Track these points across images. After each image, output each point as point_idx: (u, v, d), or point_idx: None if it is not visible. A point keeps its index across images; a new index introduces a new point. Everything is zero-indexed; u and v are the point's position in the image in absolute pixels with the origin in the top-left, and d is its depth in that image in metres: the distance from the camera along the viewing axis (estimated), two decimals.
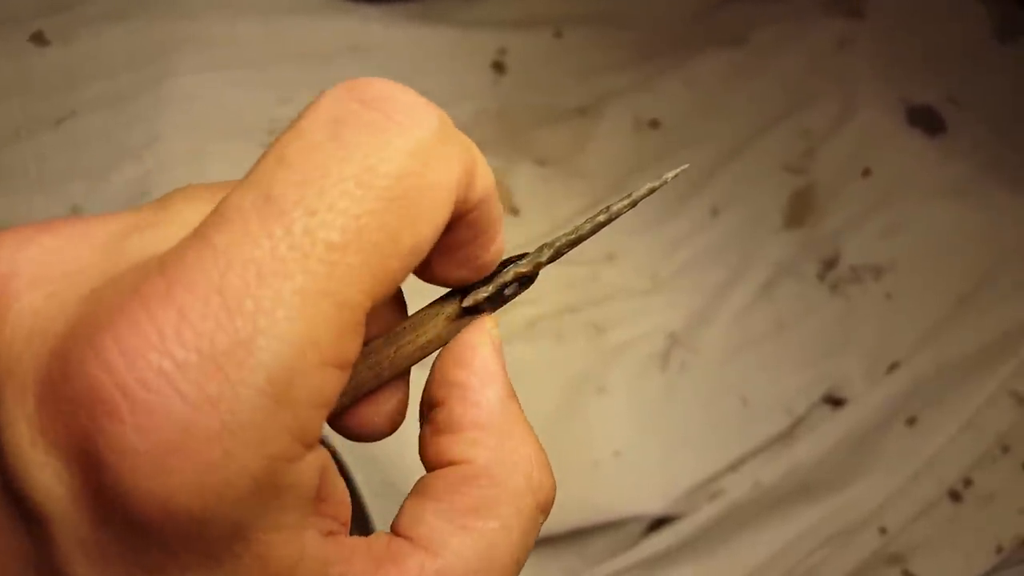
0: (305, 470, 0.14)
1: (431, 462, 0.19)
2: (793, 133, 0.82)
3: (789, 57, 0.85)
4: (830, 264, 0.77)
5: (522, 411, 0.19)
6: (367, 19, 0.79)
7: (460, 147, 0.16)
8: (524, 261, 0.21)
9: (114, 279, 0.14)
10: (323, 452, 0.15)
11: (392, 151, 0.15)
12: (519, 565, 0.18)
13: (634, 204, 0.21)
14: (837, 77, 0.84)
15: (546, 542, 0.64)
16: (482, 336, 0.19)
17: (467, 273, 0.19)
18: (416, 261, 0.15)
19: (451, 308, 0.20)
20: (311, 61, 0.75)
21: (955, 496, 0.70)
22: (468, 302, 0.20)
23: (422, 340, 0.20)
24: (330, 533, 0.16)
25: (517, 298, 0.21)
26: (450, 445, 0.18)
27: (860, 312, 0.75)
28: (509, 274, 0.20)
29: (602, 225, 0.21)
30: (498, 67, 0.82)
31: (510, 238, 0.74)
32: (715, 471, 0.68)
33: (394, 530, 0.18)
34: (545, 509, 0.19)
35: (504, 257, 0.21)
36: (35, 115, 0.67)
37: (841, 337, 0.74)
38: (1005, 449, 0.72)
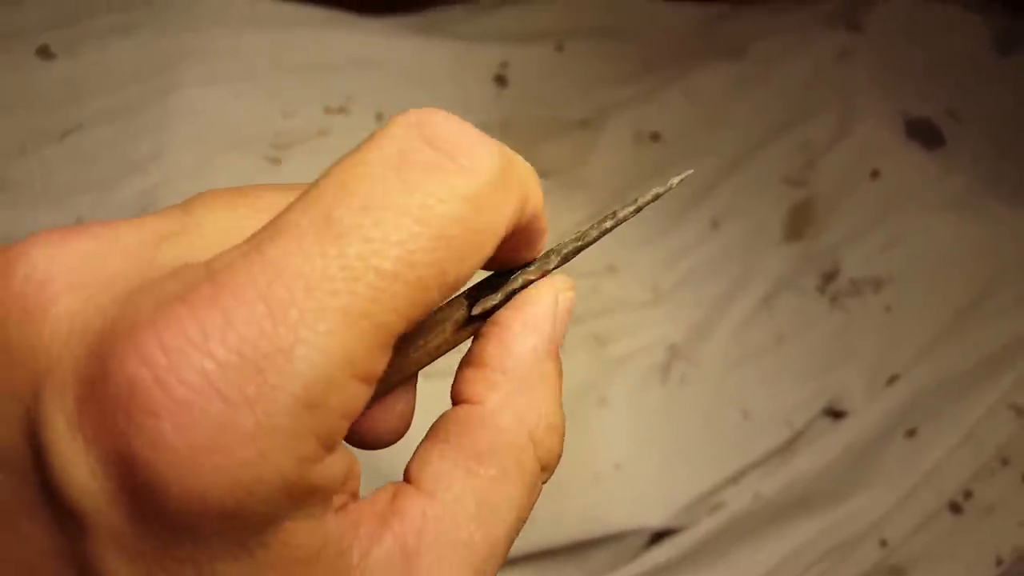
0: (330, 469, 0.15)
1: (454, 396, 0.19)
2: (793, 145, 0.82)
3: (789, 70, 0.86)
4: (830, 277, 0.77)
5: (559, 375, 0.20)
6: (371, 32, 0.79)
7: (517, 183, 0.17)
8: (532, 268, 0.21)
9: (151, 283, 0.14)
10: (347, 452, 0.16)
11: (451, 193, 0.15)
12: (520, 523, 0.18)
13: (639, 210, 0.21)
14: (837, 90, 0.85)
15: (547, 555, 0.64)
16: (548, 291, 0.20)
17: (501, 267, 0.20)
18: (454, 292, 0.16)
19: (459, 314, 0.20)
20: (316, 74, 0.76)
21: (955, 508, 0.70)
22: (477, 310, 0.20)
23: (430, 346, 0.20)
24: (342, 507, 0.16)
25: None
26: (471, 381, 0.19)
27: (860, 325, 0.75)
28: (518, 281, 0.20)
29: (608, 230, 0.21)
30: (500, 80, 0.83)
31: None
32: (716, 484, 0.68)
33: (405, 474, 0.18)
34: (548, 469, 0.19)
35: None
36: (41, 128, 0.68)
37: (841, 350, 0.74)
38: (1005, 461, 0.72)
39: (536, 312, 0.19)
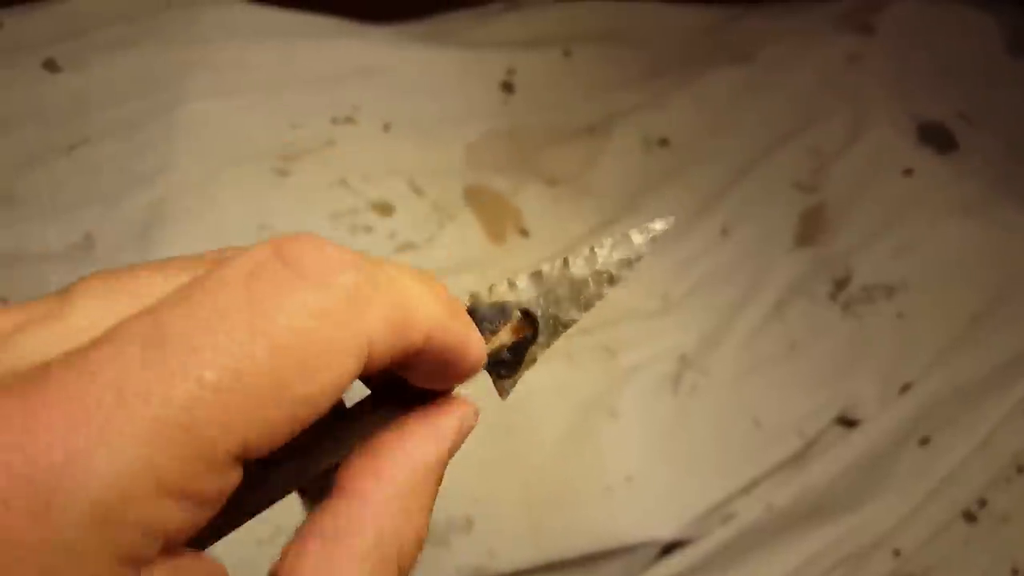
0: None
1: (338, 480, 0.18)
2: (804, 150, 0.82)
3: (799, 74, 0.85)
4: (842, 284, 0.76)
5: (439, 485, 0.19)
6: (377, 41, 0.79)
7: (381, 303, 0.16)
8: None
9: None
10: (177, 565, 0.15)
11: (295, 306, 0.15)
12: None
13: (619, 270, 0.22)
14: (847, 94, 0.84)
15: (557, 567, 0.63)
16: (457, 410, 0.20)
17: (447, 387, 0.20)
18: (313, 411, 0.15)
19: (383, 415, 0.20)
20: (322, 85, 0.76)
21: (970, 517, 0.70)
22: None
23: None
24: None
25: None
26: (360, 475, 0.18)
27: (872, 332, 0.74)
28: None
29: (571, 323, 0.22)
30: (507, 87, 0.82)
31: (519, 259, 0.74)
32: (727, 494, 0.67)
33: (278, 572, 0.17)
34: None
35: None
36: (48, 142, 0.68)
37: (853, 358, 0.73)
38: (1020, 469, 0.71)
39: (445, 425, 0.19)
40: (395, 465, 0.18)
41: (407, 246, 0.73)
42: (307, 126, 0.74)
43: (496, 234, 0.75)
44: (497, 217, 0.76)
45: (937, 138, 0.83)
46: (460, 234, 0.74)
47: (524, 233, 0.76)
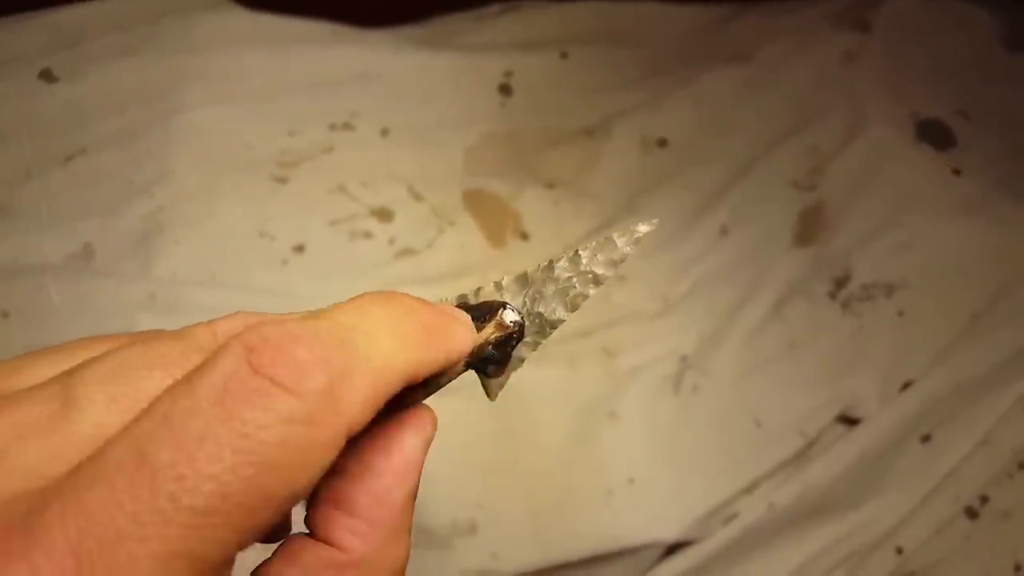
0: None
1: (313, 528, 0.19)
2: (802, 149, 0.82)
3: (796, 72, 0.85)
4: (841, 282, 0.76)
5: (412, 510, 0.20)
6: (374, 46, 0.79)
7: (357, 388, 0.17)
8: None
9: None
10: None
11: (272, 418, 0.15)
12: None
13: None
14: (845, 92, 0.84)
15: (561, 570, 0.64)
16: (418, 435, 0.20)
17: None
18: (296, 501, 0.16)
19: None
20: (320, 90, 0.75)
21: (971, 513, 0.70)
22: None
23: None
24: None
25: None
26: (336, 523, 0.19)
27: (872, 330, 0.74)
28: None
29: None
30: (505, 90, 0.82)
31: (519, 263, 0.74)
32: (729, 495, 0.67)
33: None
34: None
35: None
36: (45, 153, 0.68)
37: (854, 356, 0.73)
38: (1021, 465, 0.71)
39: (407, 460, 0.20)
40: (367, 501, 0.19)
41: (407, 252, 0.73)
42: (305, 133, 0.74)
43: (496, 238, 0.75)
44: (497, 221, 0.76)
45: (935, 135, 0.83)
46: (460, 239, 0.74)
47: (524, 236, 0.75)
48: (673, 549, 0.66)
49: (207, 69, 0.72)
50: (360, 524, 0.19)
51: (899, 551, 0.68)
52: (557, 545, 0.63)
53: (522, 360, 0.22)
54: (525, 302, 0.22)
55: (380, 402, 0.17)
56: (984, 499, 0.70)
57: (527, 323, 0.22)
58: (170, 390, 0.16)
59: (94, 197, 0.67)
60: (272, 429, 0.15)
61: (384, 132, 0.77)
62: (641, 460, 0.67)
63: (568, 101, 0.82)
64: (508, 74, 0.83)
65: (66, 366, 0.18)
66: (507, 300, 0.22)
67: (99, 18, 0.73)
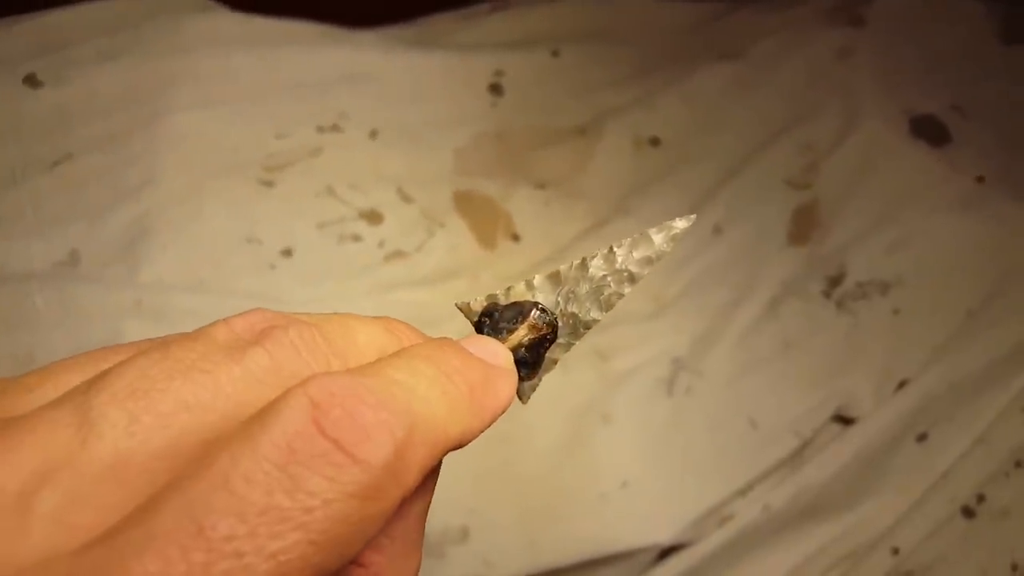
0: None
1: None
2: (795, 147, 0.81)
3: (789, 69, 0.84)
4: (836, 281, 0.76)
5: (425, 523, 0.19)
6: (362, 46, 0.78)
7: (418, 458, 0.16)
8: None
9: None
10: None
11: (338, 491, 0.14)
12: None
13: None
14: (838, 88, 0.83)
15: (553, 575, 0.63)
16: None
17: None
18: (347, 561, 0.15)
19: None
20: (308, 92, 0.75)
21: (968, 513, 0.69)
22: None
23: None
24: None
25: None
26: None
27: (867, 329, 0.74)
28: None
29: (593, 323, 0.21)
30: (495, 89, 0.82)
31: (511, 265, 0.73)
32: (724, 496, 0.67)
33: None
34: None
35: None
36: (30, 158, 0.67)
37: (849, 355, 0.73)
38: (1018, 464, 0.71)
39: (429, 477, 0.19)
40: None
41: (397, 254, 0.72)
42: (292, 135, 0.73)
43: (487, 239, 0.74)
44: (487, 222, 0.75)
45: (930, 131, 0.82)
46: (450, 240, 0.73)
47: (515, 238, 0.75)
48: (668, 552, 0.66)
49: (193, 72, 0.71)
50: (379, 538, 0.18)
51: (895, 551, 0.67)
52: (550, 550, 0.63)
53: (555, 362, 0.21)
54: (558, 302, 0.21)
55: (431, 470, 0.17)
56: (981, 498, 0.69)
57: (560, 324, 0.21)
58: (228, 443, 0.14)
59: (80, 202, 0.66)
60: (336, 505, 0.14)
61: (373, 133, 0.76)
62: (635, 463, 0.67)
63: (559, 100, 0.81)
64: (498, 73, 0.82)
65: (92, 375, 0.17)
66: (539, 300, 0.21)
67: (84, 22, 0.72)
